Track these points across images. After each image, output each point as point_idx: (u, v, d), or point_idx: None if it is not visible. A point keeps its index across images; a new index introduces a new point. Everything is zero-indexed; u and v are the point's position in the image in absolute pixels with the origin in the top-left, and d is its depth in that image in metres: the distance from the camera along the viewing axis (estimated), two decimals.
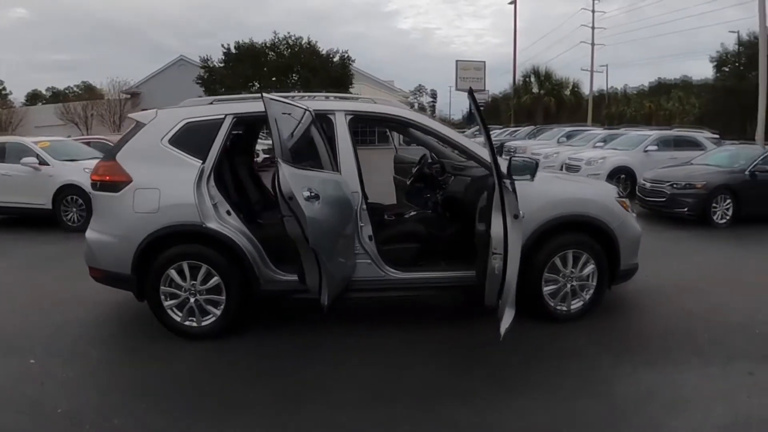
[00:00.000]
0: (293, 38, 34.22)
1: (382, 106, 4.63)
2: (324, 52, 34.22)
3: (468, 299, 4.50)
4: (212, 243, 4.02)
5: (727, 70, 37.45)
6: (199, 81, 33.42)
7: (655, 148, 12.66)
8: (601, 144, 14.97)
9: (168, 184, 4.01)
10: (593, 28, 40.83)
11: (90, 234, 4.26)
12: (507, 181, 3.39)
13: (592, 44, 40.60)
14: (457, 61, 36.37)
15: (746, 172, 9.26)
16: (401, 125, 4.99)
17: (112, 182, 4.10)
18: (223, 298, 4.07)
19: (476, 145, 4.55)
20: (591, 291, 4.38)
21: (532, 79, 39.17)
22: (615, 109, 44.66)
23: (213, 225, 3.99)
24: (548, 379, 3.49)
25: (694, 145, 12.93)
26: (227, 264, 4.03)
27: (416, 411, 3.10)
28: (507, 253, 3.33)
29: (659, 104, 42.98)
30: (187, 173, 4.03)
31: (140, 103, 34.22)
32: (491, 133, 4.04)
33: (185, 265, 4.03)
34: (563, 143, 17.23)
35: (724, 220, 9.02)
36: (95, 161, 5.21)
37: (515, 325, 3.40)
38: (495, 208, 3.45)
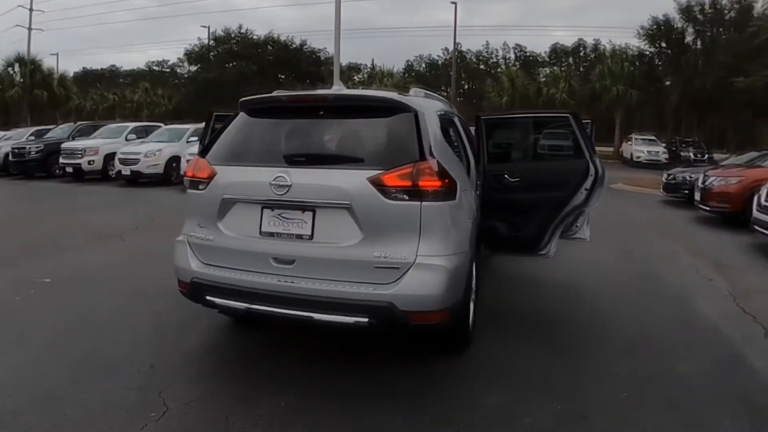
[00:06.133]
0: None
1: None
2: None
3: None
4: None
5: (206, 62, 43.80)
6: None
7: (196, 138, 16.34)
8: (133, 137, 17.23)
9: (463, 183, 3.65)
10: (31, 10, 37.90)
11: (443, 262, 3.16)
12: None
13: (29, 28, 37.67)
14: None
15: None
16: None
17: (447, 187, 3.26)
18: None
19: None
20: None
21: (17, 68, 35.84)
22: (72, 104, 42.28)
23: None
24: None
25: None
26: None
27: None
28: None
29: (124, 96, 45.27)
30: (464, 170, 3.96)
31: None
32: None
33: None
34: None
35: None
36: None
37: None
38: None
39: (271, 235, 3.30)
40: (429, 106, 3.77)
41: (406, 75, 47.46)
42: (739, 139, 27.30)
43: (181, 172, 14.85)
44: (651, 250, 7.94)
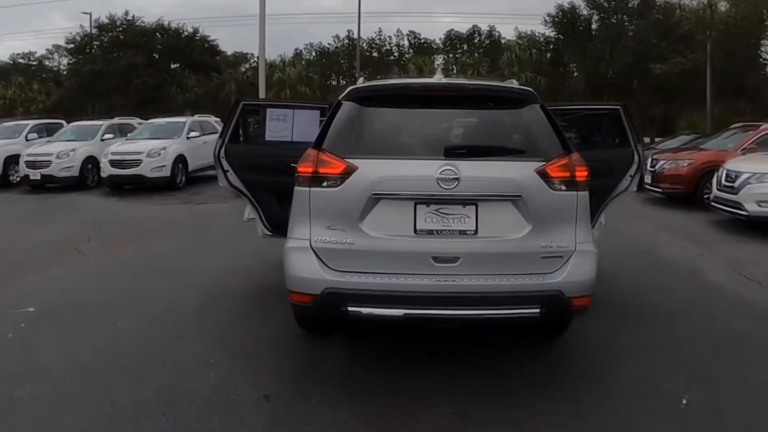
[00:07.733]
0: None
1: None
2: None
3: None
4: None
5: (88, 52, 40.21)
6: None
7: (111, 136, 15.03)
8: (34, 137, 15.43)
9: None
10: None
11: (593, 248, 3.37)
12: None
13: None
14: None
15: None
16: None
17: (588, 178, 3.42)
18: None
19: None
20: None
21: None
22: None
23: None
24: None
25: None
26: None
27: None
28: None
29: None
30: None
31: None
32: None
33: None
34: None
35: None
36: None
37: None
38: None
39: (430, 233, 3.15)
40: None
41: (298, 64, 45.76)
42: (642, 122, 29.95)
43: (102, 174, 13.69)
44: (628, 230, 8.37)
